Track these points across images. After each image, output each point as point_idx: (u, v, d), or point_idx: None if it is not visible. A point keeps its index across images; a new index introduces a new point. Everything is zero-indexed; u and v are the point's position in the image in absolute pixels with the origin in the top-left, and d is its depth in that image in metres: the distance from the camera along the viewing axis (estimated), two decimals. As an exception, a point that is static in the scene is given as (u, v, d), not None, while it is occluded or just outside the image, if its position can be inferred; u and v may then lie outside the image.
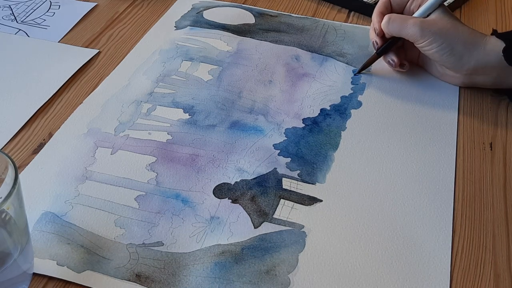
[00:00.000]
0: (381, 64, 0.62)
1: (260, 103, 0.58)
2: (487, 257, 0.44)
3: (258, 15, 0.71)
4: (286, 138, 0.54)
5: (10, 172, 0.36)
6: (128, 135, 0.54)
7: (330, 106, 0.58)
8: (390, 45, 0.60)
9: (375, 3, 0.62)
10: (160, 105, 0.57)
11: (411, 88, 0.60)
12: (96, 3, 0.74)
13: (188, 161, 0.51)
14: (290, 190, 0.49)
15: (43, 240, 0.44)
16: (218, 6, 0.73)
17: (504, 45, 0.54)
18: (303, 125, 0.55)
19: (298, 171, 0.50)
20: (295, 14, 0.72)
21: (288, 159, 0.51)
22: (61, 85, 0.60)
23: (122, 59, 0.64)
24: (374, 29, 0.60)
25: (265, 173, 0.50)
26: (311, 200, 0.48)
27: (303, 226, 0.46)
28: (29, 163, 0.51)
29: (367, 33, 0.68)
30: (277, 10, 0.73)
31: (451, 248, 0.44)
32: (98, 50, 0.65)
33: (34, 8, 0.73)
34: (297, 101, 0.58)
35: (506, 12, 0.73)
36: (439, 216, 0.47)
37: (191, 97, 0.58)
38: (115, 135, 0.53)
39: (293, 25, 0.70)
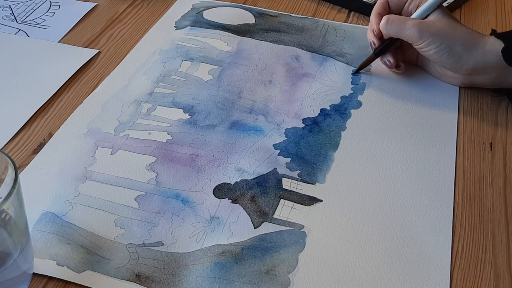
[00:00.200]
0: (381, 64, 0.62)
1: (260, 103, 0.58)
2: (487, 257, 0.44)
3: (258, 15, 0.71)
4: (286, 138, 0.54)
5: (10, 172, 0.36)
6: (128, 135, 0.54)
7: (330, 106, 0.58)
8: (388, 45, 0.60)
9: (375, 3, 0.62)
10: (160, 105, 0.57)
11: (411, 88, 0.60)
12: (96, 3, 0.74)
13: (188, 161, 0.51)
14: (290, 190, 0.49)
15: (43, 240, 0.44)
16: (218, 6, 0.73)
17: (503, 45, 0.54)
18: (303, 125, 0.55)
19: (298, 171, 0.50)
20: (295, 14, 0.72)
21: (288, 159, 0.51)
22: (61, 85, 0.60)
23: (122, 59, 0.64)
24: (373, 30, 0.60)
25: (265, 173, 0.50)
26: (311, 200, 0.48)
27: (303, 226, 0.46)
28: (29, 163, 0.51)
29: (367, 33, 0.68)
30: (277, 10, 0.73)
31: (451, 248, 0.44)
32: (98, 50, 0.65)
33: (34, 8, 0.73)
34: (297, 101, 0.58)
35: (506, 12, 0.73)
36: (439, 216, 0.47)
37: (191, 97, 0.58)
38: (115, 135, 0.53)
39: (293, 25, 0.70)
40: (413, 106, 0.58)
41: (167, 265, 0.43)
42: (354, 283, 0.42)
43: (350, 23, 0.71)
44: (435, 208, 0.47)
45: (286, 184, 0.49)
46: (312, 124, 0.55)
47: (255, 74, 0.61)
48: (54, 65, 0.62)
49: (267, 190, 0.48)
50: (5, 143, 0.53)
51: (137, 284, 0.41)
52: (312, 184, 0.49)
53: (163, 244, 0.44)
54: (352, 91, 0.60)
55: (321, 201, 0.48)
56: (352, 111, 0.57)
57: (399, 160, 0.52)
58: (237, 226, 0.45)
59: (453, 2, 0.72)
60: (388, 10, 0.61)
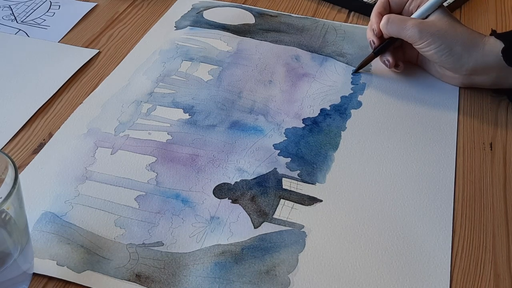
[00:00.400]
0: (381, 64, 0.62)
1: (260, 103, 0.58)
2: (487, 257, 0.44)
3: (258, 15, 0.71)
4: (286, 138, 0.54)
5: (10, 172, 0.36)
6: (128, 135, 0.54)
7: (330, 106, 0.58)
8: (387, 45, 0.60)
9: (375, 3, 0.62)
10: (160, 105, 0.57)
11: (411, 88, 0.60)
12: (96, 3, 0.74)
13: (188, 161, 0.51)
14: (290, 190, 0.49)
15: (43, 240, 0.44)
16: (218, 6, 0.73)
17: (503, 45, 0.54)
18: (303, 125, 0.55)
19: (298, 171, 0.50)
20: (295, 14, 0.72)
21: (288, 159, 0.51)
22: (61, 85, 0.60)
23: (122, 59, 0.64)
24: (373, 29, 0.60)
25: (265, 173, 0.50)
26: (311, 200, 0.48)
27: (303, 226, 0.46)
28: (29, 163, 0.51)
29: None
30: (277, 10, 0.73)
31: (451, 248, 0.44)
32: (98, 50, 0.65)
33: (34, 8, 0.73)
34: (297, 101, 0.58)
35: (506, 12, 0.73)
36: (439, 216, 0.47)
37: (191, 97, 0.58)
38: (115, 135, 0.53)
39: (293, 25, 0.70)
40: (413, 106, 0.58)
41: (167, 265, 0.43)
42: (354, 283, 0.42)
43: (350, 23, 0.71)
44: (435, 208, 0.47)
45: (286, 184, 0.49)
46: (312, 124, 0.55)
47: (255, 74, 0.61)
48: (54, 65, 0.62)
49: (267, 190, 0.48)
50: (5, 143, 0.53)
51: (137, 284, 0.41)
52: (312, 184, 0.49)
53: (163, 244, 0.44)
54: (352, 91, 0.60)
55: (321, 201, 0.48)
56: (352, 111, 0.57)
57: (399, 160, 0.52)
58: (237, 226, 0.45)
59: (453, 2, 0.72)
60: (389, 9, 0.61)
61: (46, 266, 0.42)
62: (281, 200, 0.48)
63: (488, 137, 0.55)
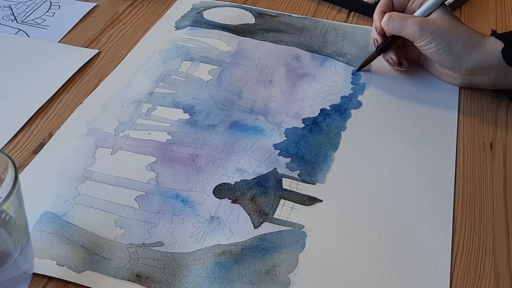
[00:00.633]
0: (381, 64, 0.62)
1: (260, 103, 0.58)
2: (487, 257, 0.44)
3: (258, 15, 0.71)
4: (286, 138, 0.54)
5: (10, 172, 0.36)
6: (128, 135, 0.54)
7: (330, 106, 0.58)
8: (390, 43, 0.60)
9: (375, 3, 0.62)
10: (160, 105, 0.57)
11: (411, 88, 0.60)
12: (96, 3, 0.74)
13: (188, 161, 0.51)
14: (290, 190, 0.49)
15: (43, 240, 0.44)
16: (218, 6, 0.73)
17: (503, 45, 0.54)
18: (303, 125, 0.55)
19: (298, 171, 0.50)
20: (295, 14, 0.72)
21: (288, 159, 0.51)
22: (61, 85, 0.60)
23: (122, 59, 0.64)
24: (375, 27, 0.60)
25: (265, 173, 0.50)
26: (311, 200, 0.48)
27: (303, 226, 0.46)
28: (29, 163, 0.51)
29: (367, 33, 0.68)
30: (277, 10, 0.73)
31: (451, 248, 0.44)
32: (98, 50, 0.65)
33: (34, 8, 0.73)
34: (297, 101, 0.58)
35: (506, 12, 0.73)
36: (439, 216, 0.47)
37: (191, 97, 0.58)
38: (115, 135, 0.53)
39: (293, 25, 0.70)
40: (413, 106, 0.58)
41: (167, 265, 0.43)
42: (354, 283, 0.42)
43: (350, 23, 0.71)
44: (435, 208, 0.47)
45: (286, 184, 0.49)
46: (312, 124, 0.55)
47: (255, 74, 0.61)
48: (54, 65, 0.62)
49: (267, 190, 0.48)
50: (5, 143, 0.53)
51: (137, 284, 0.41)
52: (312, 184, 0.49)
53: (163, 244, 0.44)
54: (352, 91, 0.60)
55: (321, 201, 0.48)
56: (352, 111, 0.57)
57: (399, 160, 0.52)
58: (237, 226, 0.45)
59: (453, 2, 0.72)
60: (391, 8, 0.61)
61: (46, 266, 0.42)
62: (281, 200, 0.48)
63: (488, 137, 0.55)
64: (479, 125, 0.56)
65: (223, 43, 0.66)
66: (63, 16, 0.71)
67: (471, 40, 0.55)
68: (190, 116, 0.56)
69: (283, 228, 0.46)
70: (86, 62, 0.63)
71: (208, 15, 0.71)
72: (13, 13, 0.72)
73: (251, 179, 0.49)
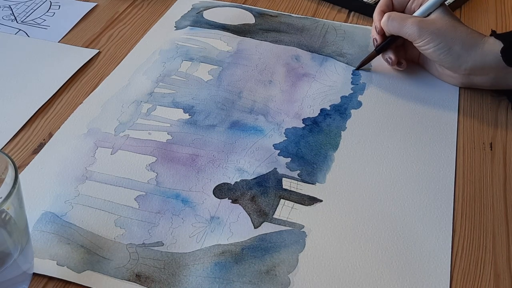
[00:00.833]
0: (381, 64, 0.62)
1: (260, 103, 0.58)
2: (487, 257, 0.44)
3: (258, 15, 0.71)
4: (286, 138, 0.54)
5: (10, 172, 0.36)
6: (128, 135, 0.54)
7: (330, 106, 0.58)
8: (389, 43, 0.60)
9: (375, 3, 0.62)
10: (160, 105, 0.57)
11: (411, 88, 0.60)
12: (96, 3, 0.74)
13: (188, 161, 0.51)
14: (290, 190, 0.49)
15: (43, 240, 0.44)
16: (218, 6, 0.73)
17: (502, 45, 0.54)
18: (303, 125, 0.55)
19: (298, 171, 0.50)
20: (295, 14, 0.72)
21: (288, 159, 0.51)
22: (61, 85, 0.60)
23: (122, 59, 0.64)
24: (375, 27, 0.60)
25: (265, 173, 0.50)
26: (311, 200, 0.48)
27: (303, 226, 0.46)
28: (29, 163, 0.51)
29: (367, 33, 0.68)
30: (277, 10, 0.73)
31: (451, 248, 0.44)
32: (98, 50, 0.65)
33: (34, 8, 0.73)
34: (297, 101, 0.58)
35: (506, 12, 0.73)
36: (439, 216, 0.47)
37: (191, 97, 0.58)
38: (115, 135, 0.53)
39: (293, 25, 0.70)
40: (413, 106, 0.58)
41: (167, 265, 0.43)
42: (354, 283, 0.42)
43: (350, 23, 0.71)
44: (435, 208, 0.47)
45: (286, 184, 0.49)
46: (312, 124, 0.55)
47: (255, 74, 0.61)
48: (54, 65, 0.62)
49: (267, 190, 0.48)
50: (5, 143, 0.53)
51: (137, 284, 0.41)
52: (312, 184, 0.49)
53: (163, 244, 0.44)
54: (352, 91, 0.60)
55: (321, 201, 0.48)
56: (352, 111, 0.57)
57: (399, 160, 0.52)
58: (237, 226, 0.45)
59: (453, 2, 0.72)
60: (391, 7, 0.61)
61: (46, 266, 0.42)
62: (281, 200, 0.48)
63: (488, 137, 0.55)
64: (479, 125, 0.56)
65: (223, 43, 0.66)
66: (63, 16, 0.71)
67: (470, 40, 0.55)
68: (190, 116, 0.56)
69: (283, 228, 0.46)
70: (86, 62, 0.63)
71: (208, 15, 0.71)
72: (13, 13, 0.72)
73: (251, 179, 0.49)
